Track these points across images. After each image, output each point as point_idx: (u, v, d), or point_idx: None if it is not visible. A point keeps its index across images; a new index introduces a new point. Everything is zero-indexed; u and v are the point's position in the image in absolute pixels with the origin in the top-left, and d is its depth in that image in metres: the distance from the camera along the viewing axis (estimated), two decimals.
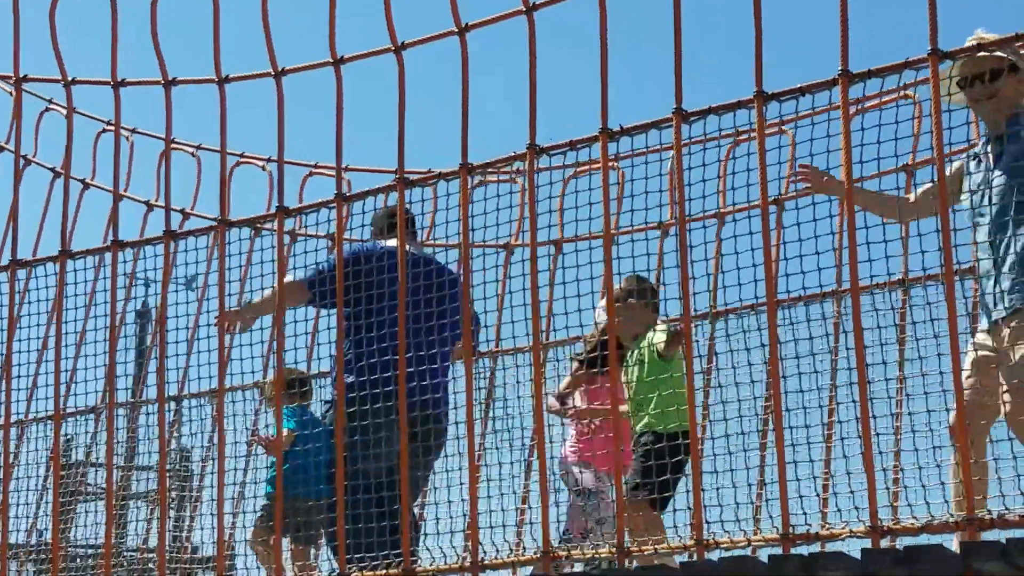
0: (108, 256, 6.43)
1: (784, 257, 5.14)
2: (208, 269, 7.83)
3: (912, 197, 5.29)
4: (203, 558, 7.32)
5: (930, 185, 5.32)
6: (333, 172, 6.17)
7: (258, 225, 6.59)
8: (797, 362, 5.18)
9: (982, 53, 4.86)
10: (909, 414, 5.29)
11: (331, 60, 5.77)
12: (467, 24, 5.50)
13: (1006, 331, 4.94)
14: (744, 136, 5.64)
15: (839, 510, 4.84)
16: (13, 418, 6.97)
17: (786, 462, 4.70)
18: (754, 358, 5.34)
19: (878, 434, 4.89)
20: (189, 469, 8.63)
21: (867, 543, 4.50)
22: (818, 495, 5.12)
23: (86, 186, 9.17)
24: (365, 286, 5.74)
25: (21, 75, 6.74)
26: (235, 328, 6.21)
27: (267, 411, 7.60)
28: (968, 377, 5.07)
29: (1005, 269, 4.95)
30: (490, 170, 5.84)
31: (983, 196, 5.09)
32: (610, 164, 5.26)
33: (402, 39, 5.64)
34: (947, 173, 5.24)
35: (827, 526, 4.76)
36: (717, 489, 4.90)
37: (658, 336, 6.39)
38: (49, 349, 7.48)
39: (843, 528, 4.68)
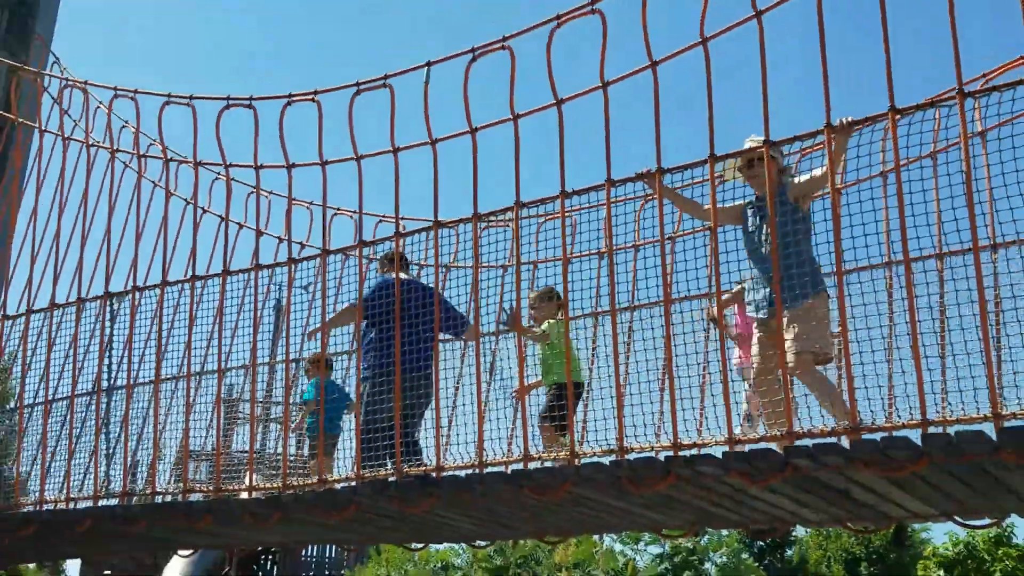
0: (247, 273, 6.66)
1: (676, 271, 5.24)
2: (315, 282, 7.85)
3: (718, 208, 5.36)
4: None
5: (725, 206, 5.33)
6: (393, 219, 6.29)
7: (347, 253, 6.70)
8: (684, 337, 5.28)
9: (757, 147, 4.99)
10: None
11: (391, 149, 5.91)
12: (477, 127, 5.64)
13: (784, 320, 4.95)
14: (651, 196, 5.76)
15: (709, 429, 4.95)
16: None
17: (676, 399, 4.84)
18: (656, 334, 5.39)
19: (733, 381, 4.96)
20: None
21: (726, 448, 4.64)
22: (695, 419, 5.20)
23: (240, 227, 9.24)
24: (384, 305, 5.92)
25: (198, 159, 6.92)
26: (316, 337, 6.54)
27: (303, 377, 7.72)
28: (758, 352, 5.22)
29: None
30: (492, 217, 5.92)
31: (756, 238, 5.14)
32: (567, 214, 5.40)
33: (436, 135, 5.77)
34: (726, 205, 5.35)
35: (702, 439, 4.86)
36: (632, 415, 4.98)
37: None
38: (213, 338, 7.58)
39: (711, 440, 4.79)
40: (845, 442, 4.41)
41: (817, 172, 4.87)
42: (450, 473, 5.28)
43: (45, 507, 7.06)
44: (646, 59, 5.13)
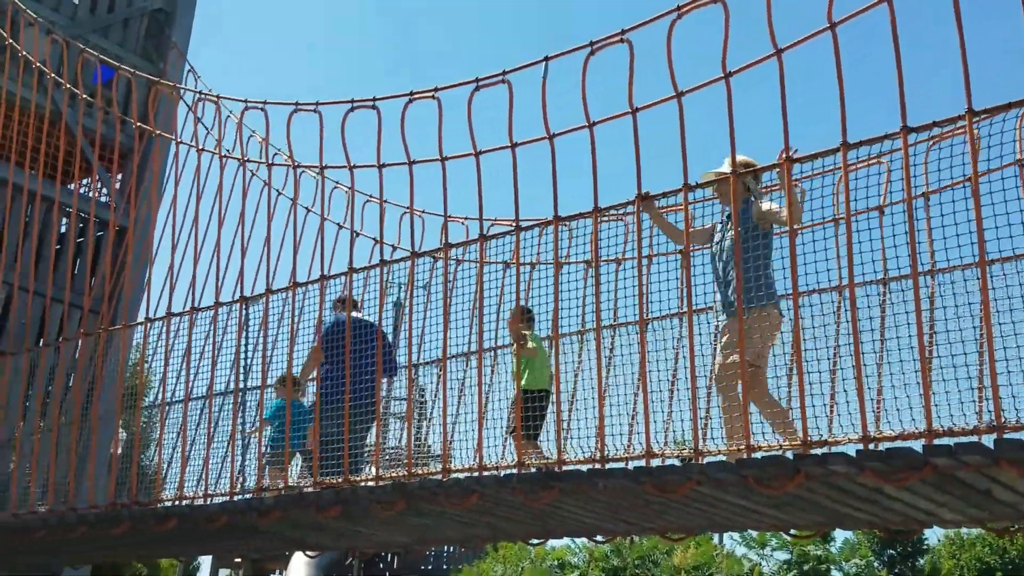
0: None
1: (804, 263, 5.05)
2: (432, 276, 7.88)
3: (691, 231, 5.56)
4: (434, 454, 7.37)
5: (699, 228, 5.68)
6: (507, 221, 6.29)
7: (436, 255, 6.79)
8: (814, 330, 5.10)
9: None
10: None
11: (509, 144, 5.90)
12: (594, 121, 5.58)
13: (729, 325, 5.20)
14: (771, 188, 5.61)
15: (841, 426, 4.74)
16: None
17: (806, 395, 4.66)
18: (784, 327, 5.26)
19: (867, 377, 4.73)
20: (424, 397, 8.58)
21: (859, 446, 4.45)
22: (826, 415, 4.99)
23: (357, 235, 9.25)
24: (336, 342, 6.76)
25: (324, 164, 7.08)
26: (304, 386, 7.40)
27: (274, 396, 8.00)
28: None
29: (729, 294, 5.24)
30: (612, 211, 5.85)
31: (720, 250, 5.36)
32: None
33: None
34: (714, 224, 5.65)
35: (833, 436, 4.66)
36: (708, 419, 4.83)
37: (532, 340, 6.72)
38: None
39: (844, 437, 4.61)
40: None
41: (775, 206, 5.10)
42: (572, 467, 5.24)
43: (183, 503, 7.31)
44: (759, 50, 5.00)
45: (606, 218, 6.01)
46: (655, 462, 5.08)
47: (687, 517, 5.85)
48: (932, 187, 5.40)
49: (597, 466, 5.15)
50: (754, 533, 10.20)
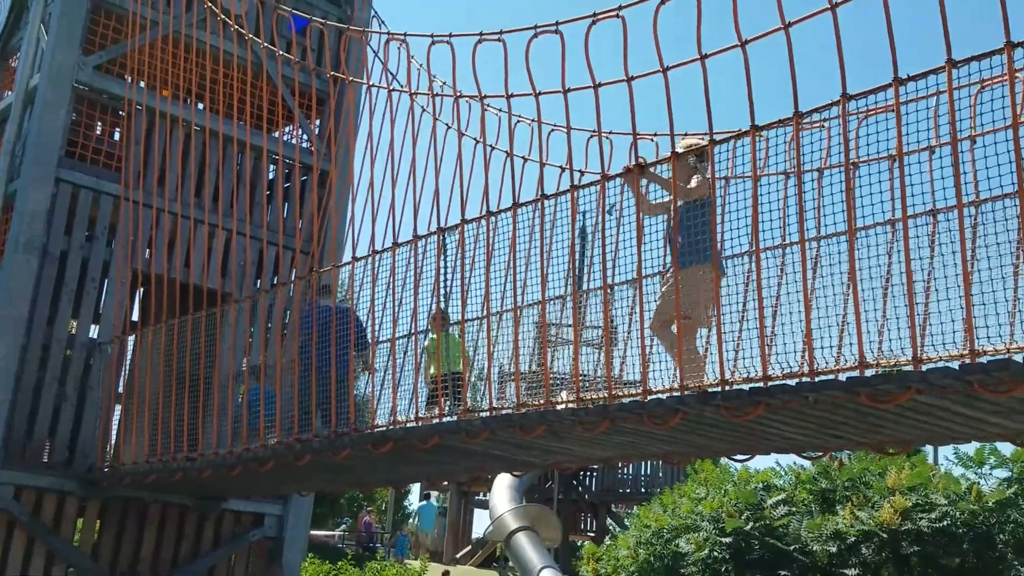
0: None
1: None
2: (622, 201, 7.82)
3: (659, 203, 6.43)
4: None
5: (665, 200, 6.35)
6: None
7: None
8: None
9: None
10: None
11: (660, 69, 5.76)
12: (705, 53, 5.34)
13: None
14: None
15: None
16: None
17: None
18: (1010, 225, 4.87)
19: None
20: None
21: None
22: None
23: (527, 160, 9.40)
24: (320, 326, 8.48)
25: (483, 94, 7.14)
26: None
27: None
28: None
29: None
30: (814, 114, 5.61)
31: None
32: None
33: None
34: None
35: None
36: (984, 315, 4.54)
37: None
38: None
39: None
40: None
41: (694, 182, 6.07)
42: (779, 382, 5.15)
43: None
44: None
45: (807, 124, 5.76)
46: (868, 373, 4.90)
47: (905, 430, 5.65)
48: None
49: (806, 379, 5.04)
50: (971, 451, 9.66)
